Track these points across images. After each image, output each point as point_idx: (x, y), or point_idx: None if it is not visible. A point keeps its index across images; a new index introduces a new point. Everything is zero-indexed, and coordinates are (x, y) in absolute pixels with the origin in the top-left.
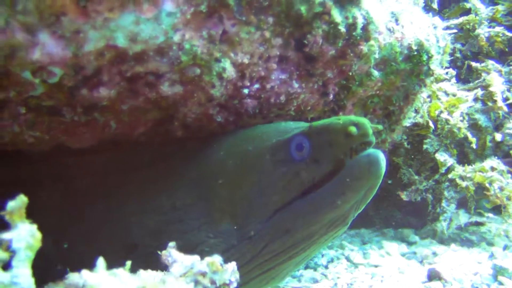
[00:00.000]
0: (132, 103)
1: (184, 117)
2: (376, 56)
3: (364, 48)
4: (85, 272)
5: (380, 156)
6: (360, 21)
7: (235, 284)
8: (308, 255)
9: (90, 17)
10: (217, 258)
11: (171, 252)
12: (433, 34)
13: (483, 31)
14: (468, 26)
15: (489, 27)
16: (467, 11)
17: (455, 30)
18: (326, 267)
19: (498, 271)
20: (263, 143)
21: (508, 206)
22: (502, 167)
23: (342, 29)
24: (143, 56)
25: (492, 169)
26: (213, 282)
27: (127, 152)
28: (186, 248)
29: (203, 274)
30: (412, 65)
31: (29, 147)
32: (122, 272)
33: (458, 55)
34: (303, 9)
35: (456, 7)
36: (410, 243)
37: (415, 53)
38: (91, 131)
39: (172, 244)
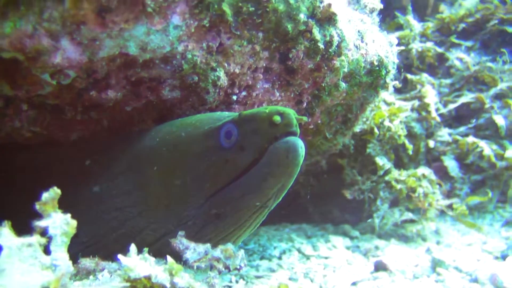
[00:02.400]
0: (134, 105)
1: (178, 118)
2: (345, 70)
3: (336, 62)
4: (121, 257)
5: (299, 143)
6: (336, 39)
7: (244, 269)
8: (236, 241)
9: (107, 27)
10: (229, 246)
11: (181, 240)
12: (390, 51)
13: (416, 46)
14: (403, 41)
15: (421, 42)
16: (400, 26)
17: (402, 47)
18: (280, 258)
19: (436, 263)
20: (196, 130)
21: (428, 211)
22: (433, 177)
23: (321, 45)
24: (149, 64)
25: (423, 176)
26: (226, 266)
27: (71, 146)
28: (129, 234)
29: (217, 260)
30: (372, 78)
31: (24, 141)
32: (150, 257)
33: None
34: (289, 26)
35: (391, 22)
36: (352, 238)
37: (376, 68)
38: (84, 128)
39: (181, 233)
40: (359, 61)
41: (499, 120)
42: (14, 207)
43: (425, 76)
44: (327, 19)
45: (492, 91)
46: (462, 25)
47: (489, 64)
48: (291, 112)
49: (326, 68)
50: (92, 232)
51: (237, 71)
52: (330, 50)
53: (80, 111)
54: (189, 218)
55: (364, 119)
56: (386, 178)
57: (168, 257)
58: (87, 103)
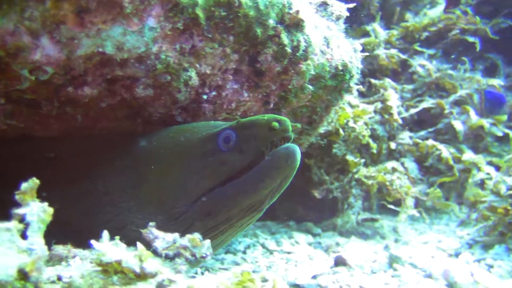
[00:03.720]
0: (109, 102)
1: (150, 116)
2: (311, 73)
3: (303, 66)
4: (94, 242)
5: (297, 150)
6: (302, 44)
7: (209, 258)
8: (225, 240)
9: (86, 27)
10: (197, 235)
11: (151, 230)
12: (355, 57)
13: (381, 52)
14: (368, 47)
15: (385, 49)
16: (367, 33)
17: (366, 53)
18: (244, 252)
19: (393, 260)
20: (194, 135)
21: (406, 199)
22: (401, 168)
23: (289, 50)
24: (125, 63)
25: (393, 169)
26: (193, 254)
27: (69, 141)
28: (117, 228)
29: (185, 248)
30: (337, 82)
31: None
32: (121, 244)
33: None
34: (259, 31)
35: (358, 29)
36: (314, 235)
37: (341, 72)
38: (59, 123)
39: (152, 223)
40: (325, 65)
41: (458, 125)
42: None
43: (388, 81)
44: (295, 25)
45: (452, 97)
46: (425, 34)
47: (450, 71)
48: (287, 119)
49: (293, 71)
50: (85, 223)
51: (208, 72)
52: (297, 54)
53: (56, 106)
54: (180, 214)
55: (329, 121)
56: (356, 176)
57: (139, 244)
58: (63, 99)
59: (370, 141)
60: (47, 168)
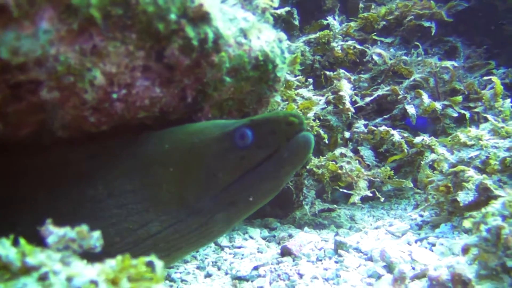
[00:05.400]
0: (16, 107)
1: (63, 118)
2: (227, 65)
3: (215, 58)
4: None
5: (312, 137)
6: (210, 36)
7: (99, 248)
8: (234, 225)
9: None
10: (84, 227)
11: (48, 227)
12: (278, 46)
13: (336, 44)
14: (323, 40)
15: (344, 41)
16: (325, 27)
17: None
18: (197, 251)
19: (338, 246)
20: (207, 135)
21: (359, 182)
22: (350, 154)
23: (195, 43)
24: (24, 67)
25: (341, 155)
26: (81, 246)
27: (66, 147)
28: (129, 228)
29: (73, 241)
30: (260, 73)
31: None
32: (6, 241)
33: (317, 65)
34: (161, 26)
35: (314, 23)
36: (272, 229)
37: (262, 63)
38: None
39: (49, 220)
40: (243, 56)
41: (410, 110)
42: (13, 208)
43: (342, 72)
44: (201, 18)
45: (406, 82)
46: (383, 23)
47: (404, 57)
48: (300, 114)
49: (205, 64)
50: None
51: (113, 70)
52: (205, 46)
53: None
54: (203, 208)
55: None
56: (308, 167)
57: (21, 240)
58: None
59: (321, 131)
60: (45, 178)
